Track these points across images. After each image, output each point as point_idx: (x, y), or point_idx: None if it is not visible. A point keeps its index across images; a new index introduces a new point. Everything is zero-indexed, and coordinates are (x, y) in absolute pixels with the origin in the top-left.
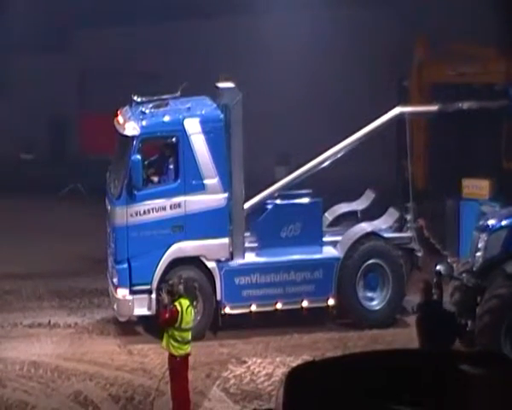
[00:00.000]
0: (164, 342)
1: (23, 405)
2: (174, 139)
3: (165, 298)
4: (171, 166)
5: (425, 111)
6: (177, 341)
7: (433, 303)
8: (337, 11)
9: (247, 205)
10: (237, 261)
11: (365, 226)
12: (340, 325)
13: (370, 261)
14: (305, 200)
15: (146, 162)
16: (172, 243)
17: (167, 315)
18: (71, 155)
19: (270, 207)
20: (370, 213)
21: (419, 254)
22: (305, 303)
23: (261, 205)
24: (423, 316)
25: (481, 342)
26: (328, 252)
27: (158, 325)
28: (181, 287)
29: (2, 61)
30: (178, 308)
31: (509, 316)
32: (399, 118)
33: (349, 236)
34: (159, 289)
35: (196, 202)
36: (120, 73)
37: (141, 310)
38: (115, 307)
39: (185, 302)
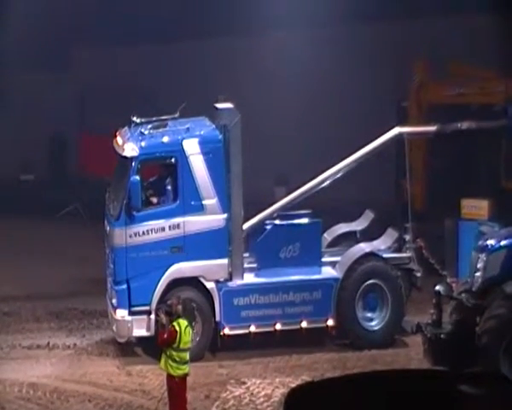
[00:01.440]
0: (162, 363)
1: None
2: (173, 160)
3: (164, 318)
4: (170, 187)
5: (424, 131)
6: (175, 361)
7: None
8: (335, 32)
9: (246, 225)
10: (236, 282)
11: (364, 247)
12: (339, 345)
13: (369, 282)
14: (304, 220)
15: (145, 183)
16: (171, 264)
17: (166, 335)
18: (70, 176)
19: (269, 227)
20: (369, 234)
21: (418, 274)
22: (304, 324)
23: (260, 225)
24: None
25: (480, 362)
26: (328, 272)
27: (157, 346)
28: (179, 307)
29: (2, 80)
30: (177, 328)
31: (508, 336)
32: (398, 138)
33: (348, 256)
34: (157, 310)
35: (195, 222)
36: (120, 94)
37: (140, 331)
38: (114, 328)
39: (183, 323)
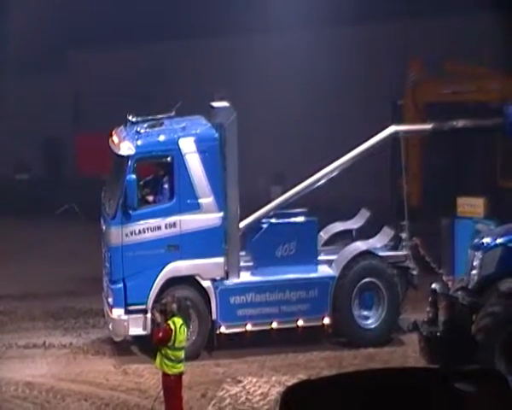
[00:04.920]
0: (157, 362)
1: None
2: (169, 159)
3: (158, 317)
4: (166, 186)
5: (419, 130)
6: (170, 360)
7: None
8: (331, 32)
9: (242, 224)
10: (232, 280)
11: (360, 245)
12: (335, 343)
13: (365, 280)
14: (301, 219)
15: (141, 182)
16: (168, 263)
17: (160, 334)
18: (66, 175)
19: (265, 226)
20: (365, 232)
21: (414, 272)
22: (300, 322)
23: (256, 224)
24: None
25: (476, 359)
26: (324, 271)
27: (152, 344)
28: (174, 306)
29: None
30: (172, 327)
31: (503, 334)
32: (394, 136)
33: (344, 254)
34: (153, 309)
35: (191, 221)
36: (115, 94)
37: (136, 330)
38: (110, 326)
39: (178, 321)
